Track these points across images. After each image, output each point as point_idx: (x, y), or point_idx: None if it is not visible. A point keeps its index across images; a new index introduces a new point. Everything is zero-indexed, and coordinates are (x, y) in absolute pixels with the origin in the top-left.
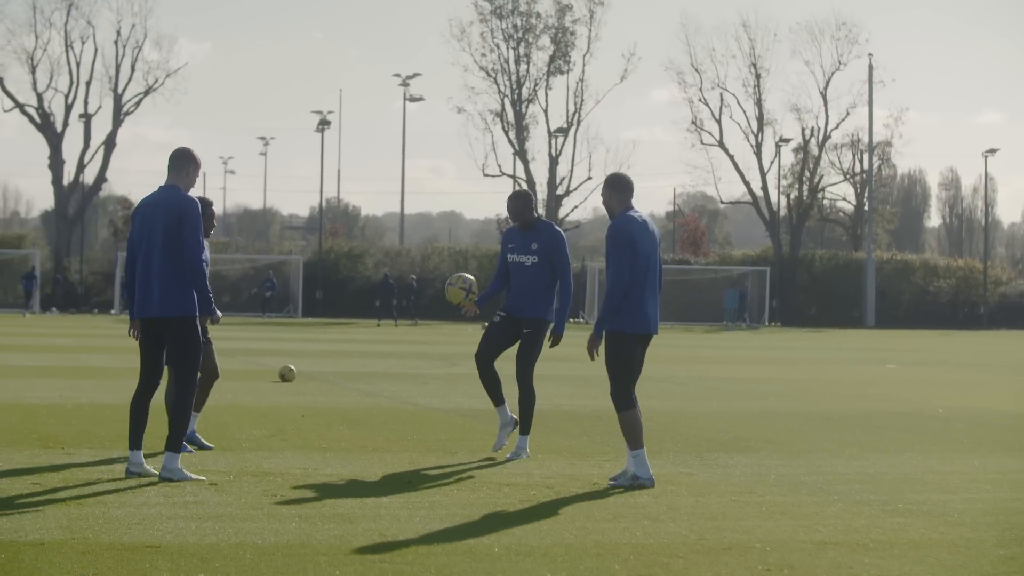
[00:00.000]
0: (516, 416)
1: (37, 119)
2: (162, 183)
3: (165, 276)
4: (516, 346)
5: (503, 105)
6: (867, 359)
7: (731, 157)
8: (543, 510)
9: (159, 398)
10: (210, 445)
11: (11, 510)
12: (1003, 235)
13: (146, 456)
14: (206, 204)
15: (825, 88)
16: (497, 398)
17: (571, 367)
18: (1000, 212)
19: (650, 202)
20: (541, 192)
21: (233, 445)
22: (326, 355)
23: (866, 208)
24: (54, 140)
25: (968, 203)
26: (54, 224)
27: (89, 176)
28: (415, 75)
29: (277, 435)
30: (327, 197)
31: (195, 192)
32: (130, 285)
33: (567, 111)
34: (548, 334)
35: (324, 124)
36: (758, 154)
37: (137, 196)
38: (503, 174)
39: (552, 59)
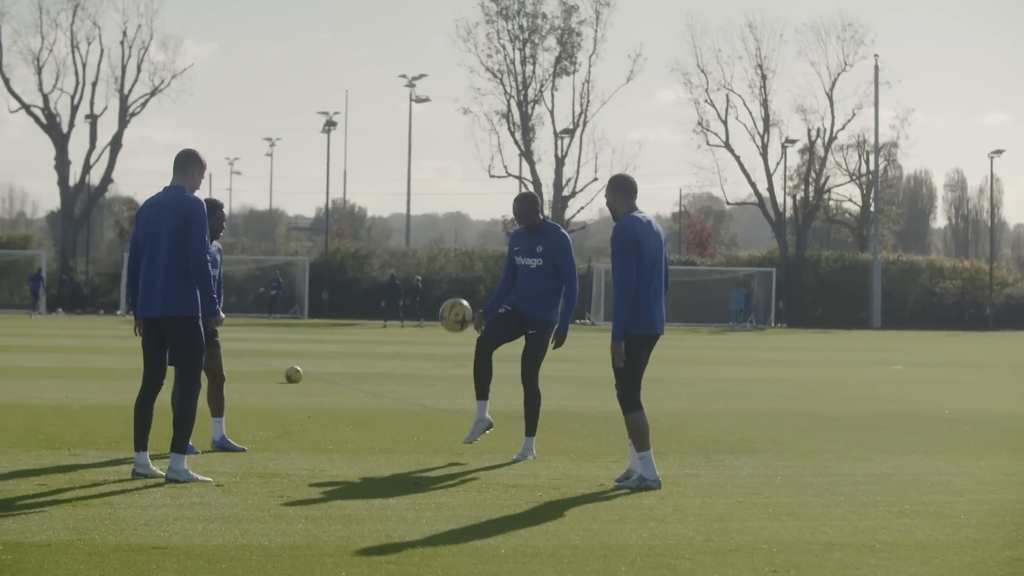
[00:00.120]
0: (492, 420)
1: (43, 120)
2: (168, 184)
3: (169, 276)
4: (521, 347)
5: (509, 106)
6: (873, 360)
7: (737, 158)
8: (549, 511)
9: (166, 399)
10: (243, 447)
11: (17, 511)
12: (1009, 236)
13: (153, 458)
14: (216, 206)
15: (831, 89)
16: (482, 391)
17: (577, 368)
18: (1006, 213)
19: (656, 203)
20: (547, 193)
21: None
22: (332, 356)
23: (872, 209)
24: (60, 141)
25: (974, 204)
26: (60, 225)
27: (95, 177)
28: (421, 76)
29: (283, 436)
30: (333, 198)
31: (202, 193)
32: (133, 285)
33: (573, 112)
34: (552, 335)
35: (330, 125)
36: (764, 155)
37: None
38: (509, 175)
39: (558, 60)
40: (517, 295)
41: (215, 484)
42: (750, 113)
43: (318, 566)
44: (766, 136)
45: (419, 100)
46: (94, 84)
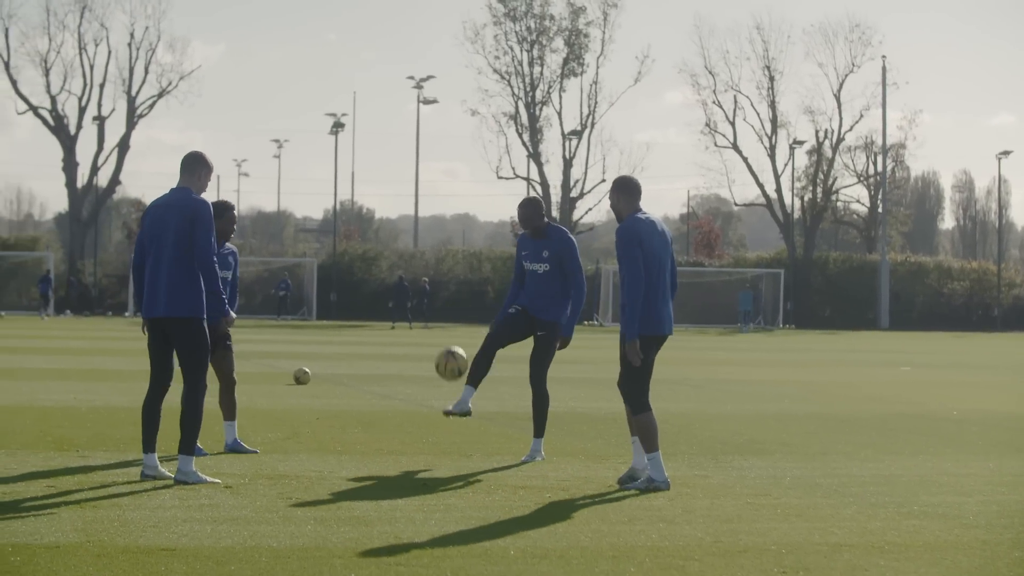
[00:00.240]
0: (471, 408)
1: (51, 122)
2: (174, 186)
3: (174, 277)
4: (529, 348)
5: (517, 107)
6: (881, 361)
7: (745, 159)
8: (558, 513)
9: (174, 401)
10: (255, 450)
11: (26, 513)
12: (1017, 237)
13: (162, 459)
14: (226, 207)
15: (839, 90)
16: (475, 380)
17: (585, 369)
18: (1014, 214)
19: (664, 204)
20: (555, 195)
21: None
22: (340, 357)
23: (880, 210)
24: (68, 142)
25: (982, 205)
26: (68, 227)
27: (103, 178)
28: (429, 77)
29: (292, 438)
30: (341, 199)
31: (210, 195)
32: (139, 285)
33: (581, 113)
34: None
35: (338, 126)
36: (772, 156)
37: (151, 198)
38: (517, 176)
39: (566, 61)
40: (526, 297)
41: (224, 486)
42: (758, 114)
43: (327, 568)
44: (774, 137)
45: (427, 102)
46: (102, 86)
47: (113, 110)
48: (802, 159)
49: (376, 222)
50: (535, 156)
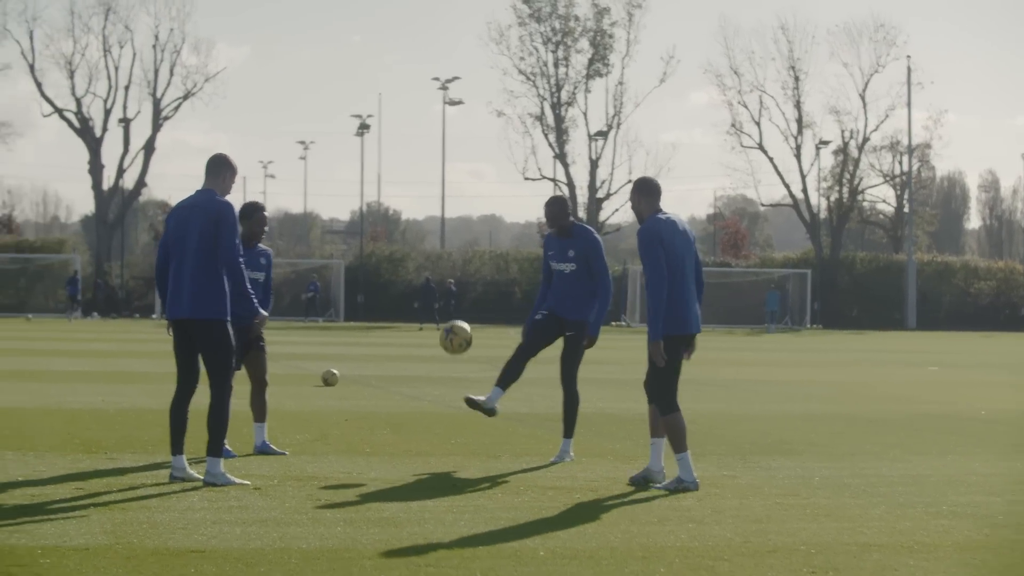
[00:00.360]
0: (497, 407)
1: (76, 124)
2: (199, 188)
3: (197, 278)
4: (559, 349)
5: (542, 108)
6: (909, 361)
7: (771, 159)
8: (587, 513)
9: (203, 403)
10: (284, 451)
11: (55, 515)
12: None
13: (191, 461)
14: (255, 208)
15: (864, 90)
16: (504, 383)
17: (614, 370)
18: None
19: (690, 205)
20: (581, 196)
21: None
22: (368, 359)
23: (906, 210)
24: (93, 145)
25: (1008, 205)
26: (94, 229)
27: (129, 181)
28: (454, 78)
29: (320, 439)
30: (367, 201)
31: (237, 197)
32: (162, 286)
33: (607, 114)
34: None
35: (364, 128)
36: (798, 156)
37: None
38: (543, 177)
39: (591, 62)
40: (554, 298)
41: (253, 487)
42: (783, 114)
43: (356, 569)
44: (799, 137)
45: (452, 103)
46: (127, 88)
47: (138, 112)
48: (828, 159)
49: (402, 223)
50: (561, 157)
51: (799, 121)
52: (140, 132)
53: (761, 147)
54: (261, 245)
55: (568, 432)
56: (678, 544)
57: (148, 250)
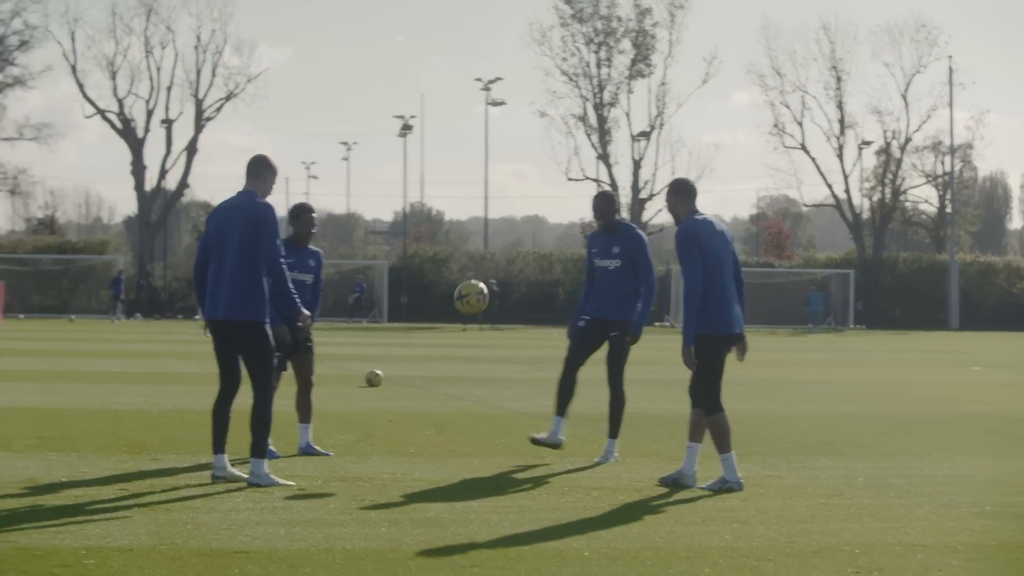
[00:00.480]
0: (562, 438)
1: (118, 125)
2: (240, 189)
3: (237, 280)
4: (605, 350)
5: (585, 109)
6: (952, 361)
7: (813, 160)
8: (632, 514)
9: (246, 404)
10: (328, 452)
11: (99, 515)
12: None
13: (235, 462)
14: (302, 209)
15: (906, 90)
16: (562, 408)
17: (658, 371)
18: None
19: (733, 205)
20: (625, 196)
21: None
22: (412, 360)
23: (948, 210)
24: (136, 146)
25: None
26: (137, 230)
27: (171, 182)
28: (496, 79)
29: (365, 440)
30: (411, 201)
31: (280, 198)
32: (201, 286)
33: (649, 114)
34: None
35: (406, 128)
36: (840, 157)
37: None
38: (586, 178)
39: (633, 62)
40: (596, 299)
41: (297, 488)
42: (825, 115)
43: (401, 569)
44: (842, 138)
45: (495, 103)
46: (169, 89)
47: (181, 113)
48: (870, 159)
49: (446, 224)
50: (604, 157)
51: (841, 121)
52: (182, 133)
53: (803, 147)
54: (311, 246)
55: (613, 432)
56: (722, 544)
57: (191, 251)
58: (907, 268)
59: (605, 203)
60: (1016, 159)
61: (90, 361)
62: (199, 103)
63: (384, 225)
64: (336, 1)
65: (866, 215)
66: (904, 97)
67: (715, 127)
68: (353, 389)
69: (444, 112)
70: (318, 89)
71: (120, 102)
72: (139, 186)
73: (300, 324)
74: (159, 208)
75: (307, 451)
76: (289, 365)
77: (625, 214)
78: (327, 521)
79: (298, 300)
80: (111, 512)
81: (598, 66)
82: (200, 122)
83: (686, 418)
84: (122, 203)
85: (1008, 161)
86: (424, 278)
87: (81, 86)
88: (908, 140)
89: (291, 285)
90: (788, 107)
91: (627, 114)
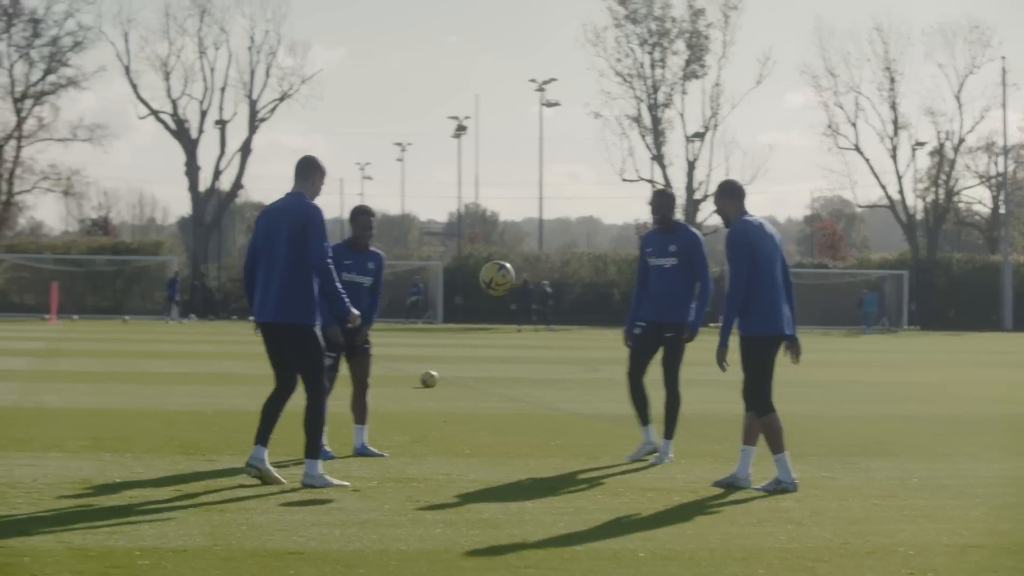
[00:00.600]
0: (656, 443)
1: (172, 126)
2: (289, 190)
3: (285, 282)
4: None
5: (639, 110)
6: (1006, 362)
7: (867, 161)
8: (686, 514)
9: (300, 405)
10: (383, 453)
11: (153, 516)
12: None
13: (290, 464)
14: (359, 212)
15: (959, 91)
16: (644, 417)
17: (713, 372)
18: None
19: (787, 206)
20: (679, 197)
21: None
22: (466, 360)
23: (1002, 211)
24: (189, 147)
25: None
26: (191, 231)
27: (225, 182)
28: (551, 80)
29: (420, 441)
30: (465, 202)
31: (333, 199)
32: (250, 287)
33: (703, 115)
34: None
35: (461, 129)
36: (894, 157)
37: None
38: (641, 179)
39: (687, 63)
40: (650, 302)
41: (352, 489)
42: (879, 115)
43: (455, 570)
44: (895, 139)
45: (549, 104)
46: (222, 90)
47: (235, 114)
48: (924, 160)
49: (500, 225)
50: (658, 158)
51: (895, 122)
52: (236, 134)
53: (857, 148)
54: (372, 248)
55: (668, 433)
56: (777, 545)
57: (244, 252)
58: (961, 269)
59: (664, 200)
60: None
61: (144, 362)
62: (253, 104)
63: (439, 226)
64: (390, 1)
65: (920, 216)
66: (957, 98)
67: (769, 128)
68: (408, 390)
69: (498, 112)
70: (372, 90)
71: (174, 103)
72: (193, 187)
73: (350, 325)
74: (213, 209)
75: (362, 452)
76: (345, 366)
77: (679, 215)
78: (382, 522)
79: (347, 300)
80: (165, 513)
81: (652, 67)
82: (254, 123)
83: (740, 419)
84: (176, 204)
85: None
86: (479, 279)
87: (135, 87)
88: (961, 141)
89: (339, 285)
90: (842, 108)
91: (681, 115)
